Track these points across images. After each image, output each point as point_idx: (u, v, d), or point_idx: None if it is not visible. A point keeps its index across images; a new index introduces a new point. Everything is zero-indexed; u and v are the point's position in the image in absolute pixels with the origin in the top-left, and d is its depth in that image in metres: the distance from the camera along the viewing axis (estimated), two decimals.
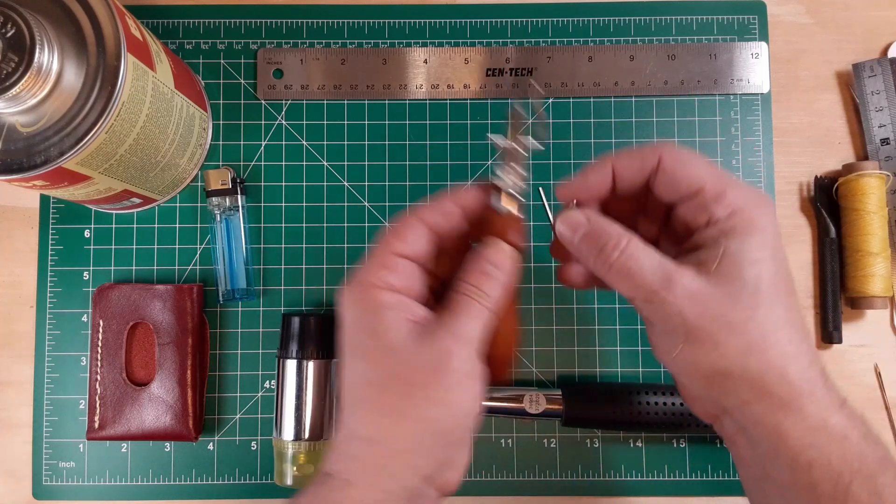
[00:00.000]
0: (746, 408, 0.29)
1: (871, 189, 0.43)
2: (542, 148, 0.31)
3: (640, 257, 0.29)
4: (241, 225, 0.44)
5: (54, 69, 0.31)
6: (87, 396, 0.43)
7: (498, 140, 0.31)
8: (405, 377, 0.28)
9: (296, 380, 0.41)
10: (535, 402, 0.41)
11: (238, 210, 0.44)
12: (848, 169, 0.44)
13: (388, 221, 0.45)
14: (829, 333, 0.44)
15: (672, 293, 0.28)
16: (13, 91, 0.30)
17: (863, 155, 0.46)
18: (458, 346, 0.28)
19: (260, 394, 0.44)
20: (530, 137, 0.31)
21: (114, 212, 0.45)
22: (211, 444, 0.44)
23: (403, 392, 0.28)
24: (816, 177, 0.45)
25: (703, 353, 0.28)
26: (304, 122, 0.46)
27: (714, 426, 0.32)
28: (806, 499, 0.28)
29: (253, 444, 0.44)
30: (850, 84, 0.46)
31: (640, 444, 0.44)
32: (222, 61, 0.46)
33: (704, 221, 0.30)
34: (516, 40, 0.46)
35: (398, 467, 0.28)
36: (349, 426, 0.29)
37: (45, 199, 0.45)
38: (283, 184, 0.45)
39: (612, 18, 0.46)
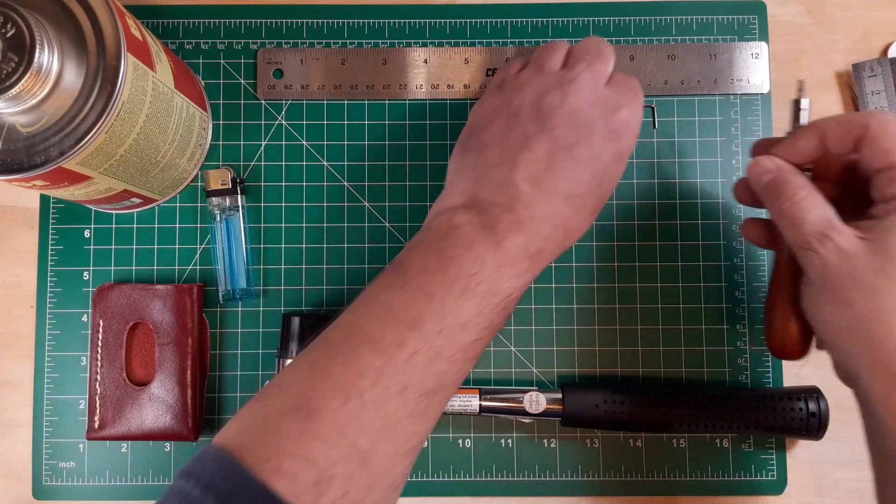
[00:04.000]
0: (863, 373, 0.30)
1: None
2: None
3: (807, 208, 0.32)
4: (241, 225, 0.44)
5: (54, 69, 0.31)
6: (87, 396, 0.43)
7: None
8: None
9: None
10: (535, 402, 0.41)
11: (238, 210, 0.44)
12: None
13: (388, 222, 0.45)
14: None
15: (823, 246, 0.31)
16: (13, 91, 0.30)
17: None
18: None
19: None
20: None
21: (114, 212, 0.45)
22: None
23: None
24: None
25: (835, 309, 0.31)
26: (304, 122, 0.46)
27: (853, 392, 0.33)
28: None
29: None
30: (850, 84, 0.46)
31: (640, 444, 0.44)
32: (222, 61, 0.46)
33: (890, 195, 0.31)
34: (516, 40, 0.46)
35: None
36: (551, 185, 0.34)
37: (45, 199, 0.45)
38: (283, 184, 0.45)
39: (612, 18, 0.46)
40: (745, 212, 0.45)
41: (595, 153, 0.35)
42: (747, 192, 0.38)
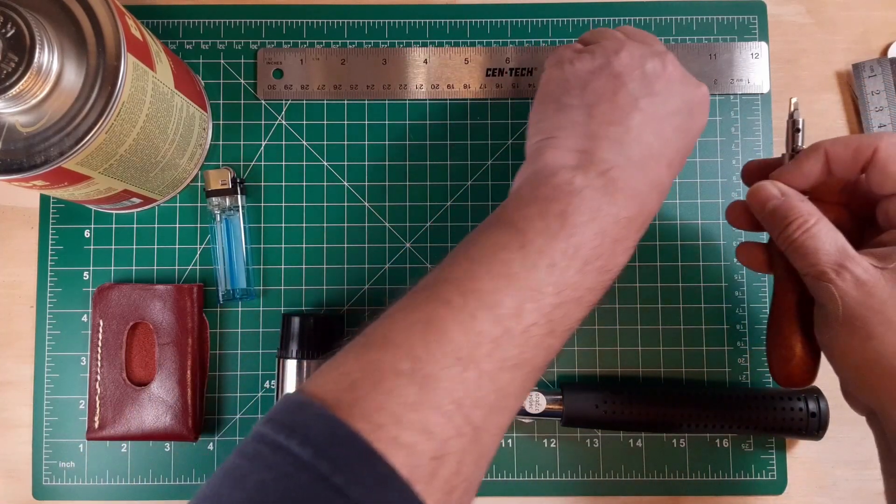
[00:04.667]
0: (887, 407, 0.29)
1: None
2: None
3: (821, 238, 0.31)
4: (241, 225, 0.44)
5: (54, 69, 0.31)
6: (87, 396, 0.43)
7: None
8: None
9: (296, 380, 0.41)
10: (535, 402, 0.41)
11: (238, 210, 0.44)
12: None
13: (388, 222, 0.45)
14: None
15: (841, 277, 0.30)
16: (13, 91, 0.30)
17: None
18: None
19: (260, 394, 0.44)
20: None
21: (114, 212, 0.45)
22: (211, 444, 0.44)
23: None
24: None
25: (855, 341, 0.30)
26: (304, 122, 0.46)
27: (867, 421, 0.33)
28: None
29: None
30: (850, 84, 0.46)
31: (640, 444, 0.44)
32: (222, 61, 0.46)
33: None
34: (516, 40, 0.46)
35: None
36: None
37: (45, 199, 0.45)
38: (283, 184, 0.45)
39: (612, 18, 0.46)
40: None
41: (686, 125, 0.35)
42: (743, 216, 0.36)
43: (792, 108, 0.36)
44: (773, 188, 0.33)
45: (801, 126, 0.35)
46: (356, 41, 0.46)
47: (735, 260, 0.45)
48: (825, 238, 0.31)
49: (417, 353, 0.27)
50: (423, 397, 0.26)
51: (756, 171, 0.36)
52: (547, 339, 0.29)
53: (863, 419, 0.34)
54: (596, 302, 0.32)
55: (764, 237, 0.37)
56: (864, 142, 0.31)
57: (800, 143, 0.35)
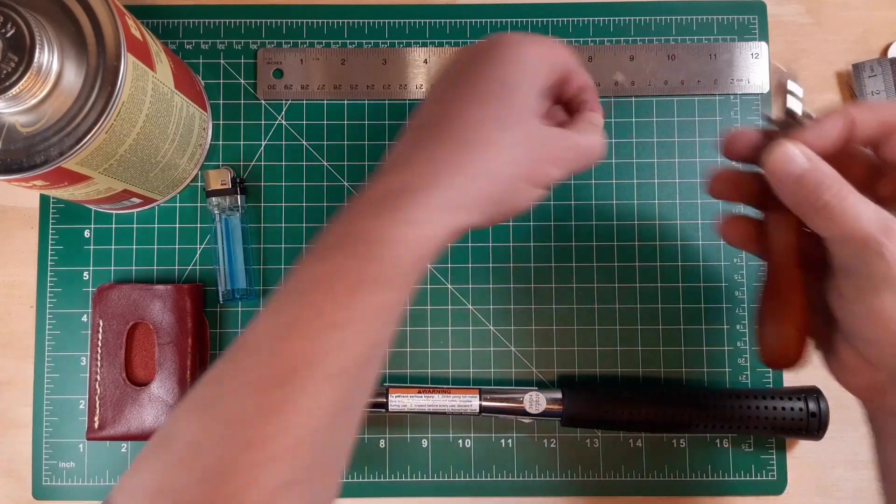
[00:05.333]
0: None
1: None
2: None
3: (862, 202, 0.29)
4: (241, 225, 0.44)
5: (54, 69, 0.31)
6: (87, 396, 0.43)
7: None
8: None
9: None
10: (535, 402, 0.41)
11: (238, 210, 0.44)
12: None
13: None
14: None
15: (890, 238, 0.28)
16: (13, 91, 0.30)
17: None
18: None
19: None
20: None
21: (114, 212, 0.45)
22: None
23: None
24: None
25: None
26: (304, 122, 0.46)
27: (864, 402, 0.32)
28: None
29: None
30: (850, 84, 0.46)
31: (640, 444, 0.44)
32: (222, 61, 0.46)
33: None
34: None
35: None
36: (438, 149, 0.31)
37: (45, 199, 0.45)
38: (283, 184, 0.45)
39: (612, 18, 0.46)
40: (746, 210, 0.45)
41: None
42: (731, 185, 0.34)
43: (788, 72, 0.34)
44: (799, 153, 0.30)
45: (791, 87, 0.33)
46: (356, 41, 0.46)
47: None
48: (864, 201, 0.29)
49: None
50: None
51: (742, 143, 0.33)
52: None
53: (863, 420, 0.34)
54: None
55: (734, 210, 0.35)
56: (891, 108, 0.30)
57: (791, 107, 0.33)
